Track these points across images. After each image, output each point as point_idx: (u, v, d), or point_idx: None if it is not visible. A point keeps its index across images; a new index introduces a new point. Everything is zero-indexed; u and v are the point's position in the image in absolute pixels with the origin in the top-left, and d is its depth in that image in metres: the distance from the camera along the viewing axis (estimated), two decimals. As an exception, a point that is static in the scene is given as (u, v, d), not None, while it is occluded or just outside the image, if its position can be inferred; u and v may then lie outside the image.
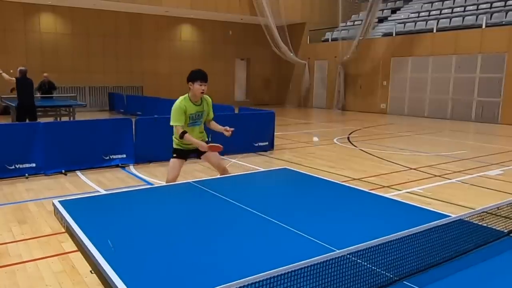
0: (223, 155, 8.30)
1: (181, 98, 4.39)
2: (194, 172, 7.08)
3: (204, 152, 4.51)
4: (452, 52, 15.94)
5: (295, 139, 10.74)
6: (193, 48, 21.17)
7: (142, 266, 1.87)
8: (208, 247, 2.09)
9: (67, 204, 2.69)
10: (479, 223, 2.25)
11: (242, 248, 2.10)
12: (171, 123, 4.36)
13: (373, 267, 1.73)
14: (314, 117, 17.89)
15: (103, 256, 1.91)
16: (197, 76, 4.25)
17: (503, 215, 2.30)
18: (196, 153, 4.60)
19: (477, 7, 16.74)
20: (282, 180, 3.78)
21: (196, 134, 4.51)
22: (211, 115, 4.61)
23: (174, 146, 4.57)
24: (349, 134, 11.78)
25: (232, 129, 4.43)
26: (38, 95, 13.67)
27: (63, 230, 2.59)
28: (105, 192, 5.32)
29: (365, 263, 1.74)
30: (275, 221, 2.44)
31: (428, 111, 16.96)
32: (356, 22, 20.47)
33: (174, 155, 4.56)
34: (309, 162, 7.93)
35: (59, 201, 2.73)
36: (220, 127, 4.51)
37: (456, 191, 5.97)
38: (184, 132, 4.28)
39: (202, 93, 4.30)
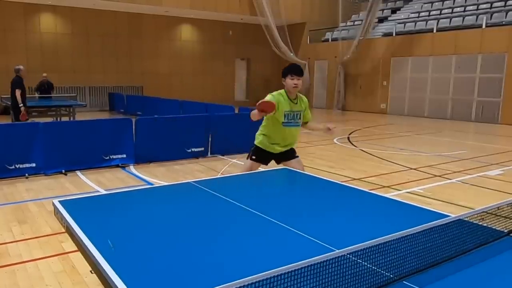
0: (223, 155, 8.32)
1: (277, 91, 4.12)
2: (194, 172, 7.09)
3: (286, 159, 4.21)
4: (452, 52, 15.94)
5: (295, 139, 10.72)
6: (193, 48, 21.18)
7: (142, 266, 1.87)
8: (208, 247, 2.09)
9: (67, 204, 2.69)
10: (479, 223, 2.25)
11: (242, 248, 2.10)
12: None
13: (373, 267, 1.73)
14: (314, 117, 17.81)
15: (103, 256, 1.91)
16: (288, 70, 4.02)
17: (503, 215, 2.29)
18: (278, 157, 4.26)
19: (477, 7, 16.75)
20: (282, 180, 3.77)
21: (292, 137, 4.19)
22: (308, 117, 4.32)
23: (257, 143, 4.20)
24: (349, 134, 11.78)
25: (335, 126, 4.18)
26: (36, 95, 13.79)
27: (63, 230, 2.59)
28: (105, 192, 5.32)
29: (365, 263, 1.74)
30: (275, 221, 2.44)
31: (428, 111, 16.96)
32: (356, 22, 20.48)
33: (254, 157, 4.17)
34: (309, 162, 7.92)
35: (59, 201, 2.72)
36: (320, 126, 4.26)
37: (456, 191, 5.98)
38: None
39: (295, 87, 4.01)
